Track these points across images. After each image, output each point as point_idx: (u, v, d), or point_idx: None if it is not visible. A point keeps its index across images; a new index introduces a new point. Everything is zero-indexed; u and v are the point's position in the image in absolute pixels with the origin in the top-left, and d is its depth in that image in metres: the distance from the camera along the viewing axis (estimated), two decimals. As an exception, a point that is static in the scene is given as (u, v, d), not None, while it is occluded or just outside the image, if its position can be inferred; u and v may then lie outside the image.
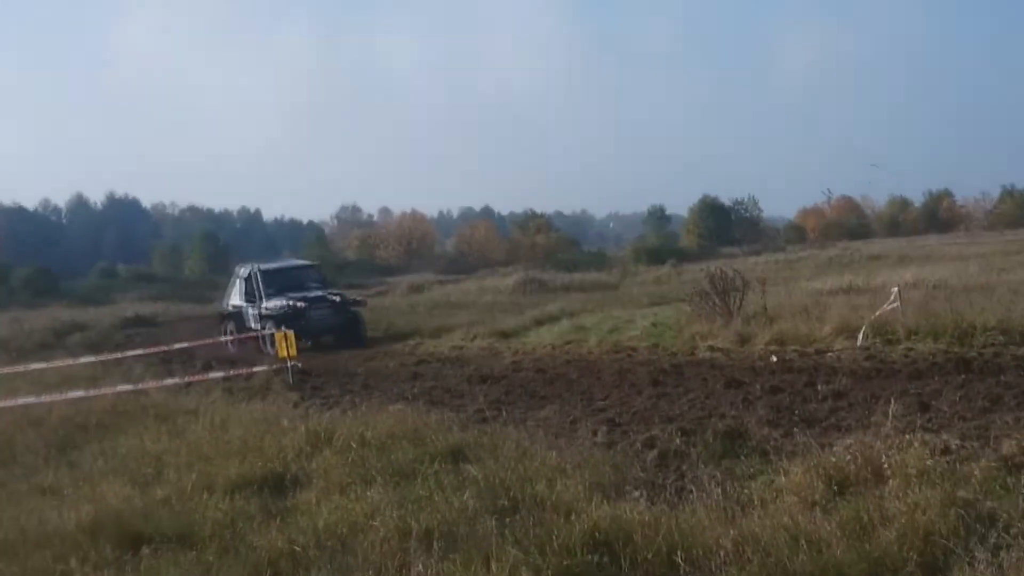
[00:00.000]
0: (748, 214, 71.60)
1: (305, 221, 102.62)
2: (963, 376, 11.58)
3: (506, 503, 6.67)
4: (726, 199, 71.16)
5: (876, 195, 76.52)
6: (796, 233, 67.75)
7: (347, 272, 51.73)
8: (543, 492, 6.83)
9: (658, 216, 79.36)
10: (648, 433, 9.27)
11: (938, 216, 69.54)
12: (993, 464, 6.47)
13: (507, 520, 6.25)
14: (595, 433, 9.69)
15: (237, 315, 23.23)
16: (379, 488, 7.36)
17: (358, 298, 24.72)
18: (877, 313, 15.79)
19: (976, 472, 6.14)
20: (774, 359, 14.36)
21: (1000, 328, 14.35)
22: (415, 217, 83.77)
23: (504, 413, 11.19)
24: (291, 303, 21.72)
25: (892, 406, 8.71)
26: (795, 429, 9.21)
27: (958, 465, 6.50)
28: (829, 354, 14.40)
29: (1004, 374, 11.53)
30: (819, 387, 11.59)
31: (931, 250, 39.46)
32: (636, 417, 10.60)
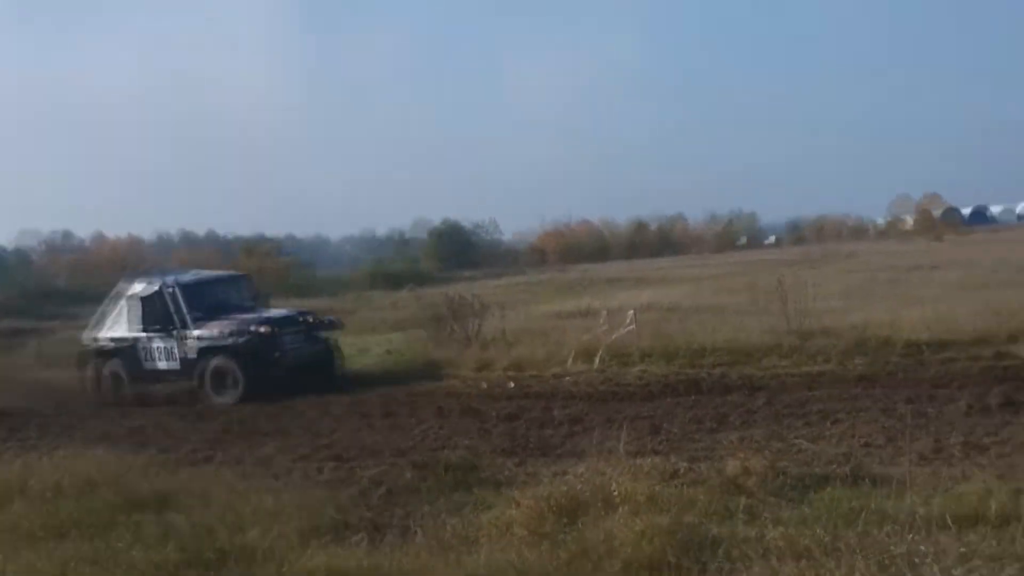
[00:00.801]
0: (489, 237, 73.63)
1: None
2: (693, 397, 12.37)
3: (212, 555, 6.22)
4: (467, 222, 72.71)
5: (615, 217, 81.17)
6: (537, 256, 70.48)
7: (55, 300, 47.70)
8: (255, 540, 6.44)
9: (396, 239, 79.93)
10: (377, 468, 9.14)
11: (672, 239, 75.25)
12: (717, 485, 6.85)
13: (212, 574, 5.84)
14: (320, 471, 9.42)
15: (126, 352, 17.12)
16: (73, 541, 6.68)
17: (332, 318, 18.90)
18: (613, 336, 16.53)
19: (701, 496, 6.46)
20: (511, 385, 14.68)
21: (727, 348, 15.51)
22: (130, 241, 79.06)
23: (220, 453, 10.62)
24: (253, 328, 16.28)
25: (624, 430, 9.09)
26: (530, 457, 9.41)
27: (685, 488, 6.80)
28: (567, 378, 14.94)
29: (731, 394, 12.45)
30: (555, 412, 11.95)
31: (666, 272, 42.31)
32: (366, 452, 10.43)
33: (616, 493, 6.58)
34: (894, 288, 24.09)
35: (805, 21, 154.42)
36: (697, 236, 76.67)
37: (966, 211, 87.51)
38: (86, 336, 17.88)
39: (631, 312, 17.42)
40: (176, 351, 16.60)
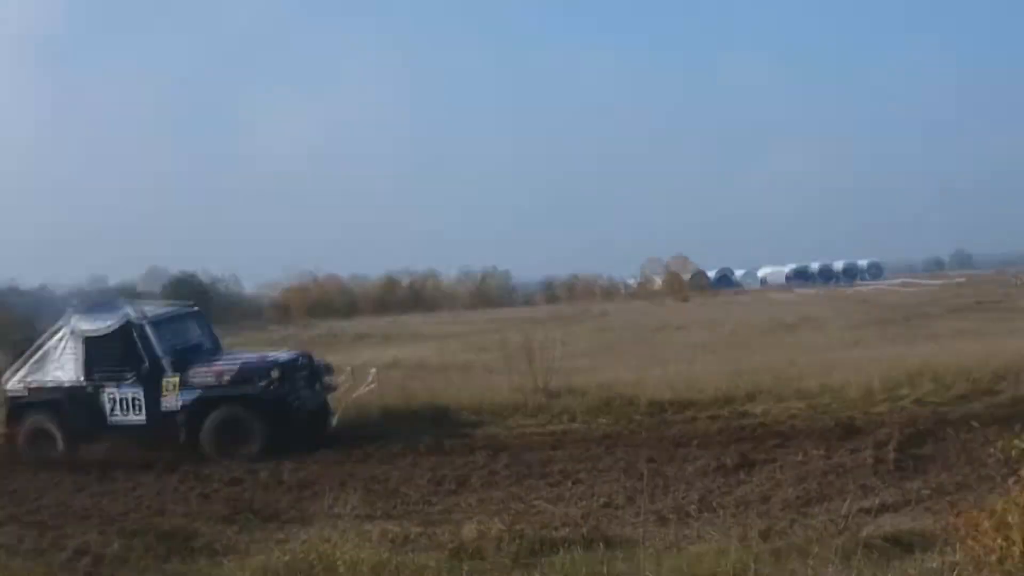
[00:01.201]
0: (228, 291, 71.09)
1: None
2: (435, 457, 12.14)
3: None
4: (205, 275, 69.90)
5: (366, 272, 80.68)
6: (280, 311, 68.72)
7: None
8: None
9: (127, 290, 75.77)
10: (84, 537, 8.46)
11: (424, 295, 75.73)
12: (451, 551, 6.62)
13: None
14: (20, 540, 8.61)
15: (73, 400, 14.12)
16: None
17: (327, 362, 16.50)
18: (354, 395, 16.15)
19: (431, 563, 6.20)
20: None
21: (473, 408, 15.47)
22: None
23: None
24: (270, 372, 14.08)
25: (358, 493, 8.77)
26: (253, 524, 8.89)
27: (416, 555, 6.54)
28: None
29: (474, 453, 12.33)
30: (285, 475, 11.41)
31: (417, 329, 42.34)
32: (74, 518, 9.75)
33: (340, 562, 6.21)
34: (641, 347, 25.17)
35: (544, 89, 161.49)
36: (450, 293, 77.55)
37: (712, 274, 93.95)
38: (13, 383, 14.51)
39: (373, 370, 17.13)
40: (142, 400, 13.96)
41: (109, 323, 14.26)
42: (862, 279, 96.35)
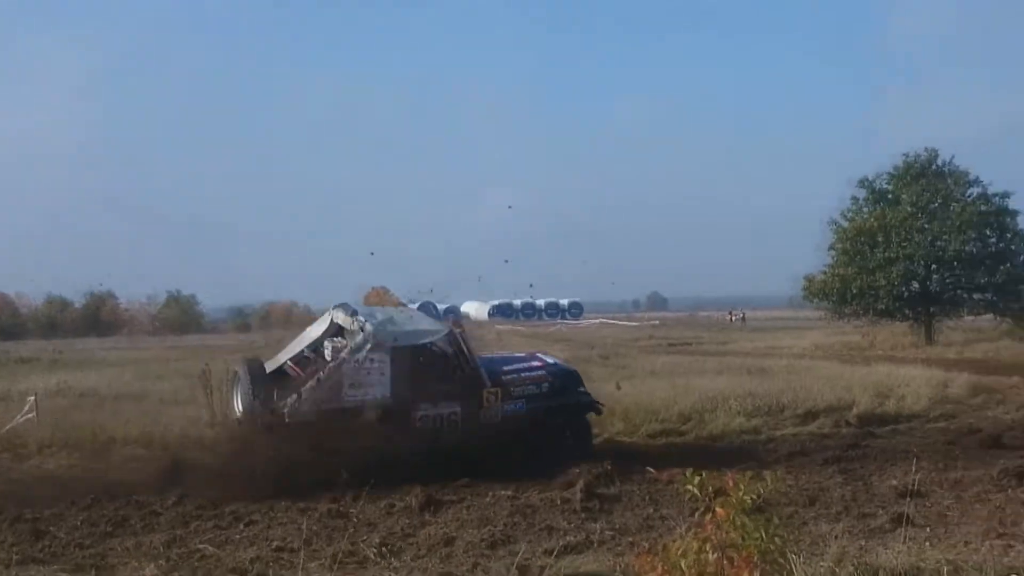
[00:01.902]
0: None
1: None
2: (91, 497, 11.12)
3: None
4: None
5: (33, 294, 74.43)
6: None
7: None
8: None
9: None
10: None
11: (100, 318, 70.93)
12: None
13: None
14: None
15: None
16: None
17: None
18: (9, 425, 14.88)
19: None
20: None
21: (143, 441, 14.46)
22: None
23: None
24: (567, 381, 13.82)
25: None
26: None
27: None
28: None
29: (136, 492, 11.38)
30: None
31: (89, 354, 39.52)
32: None
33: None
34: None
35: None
36: (128, 317, 73.10)
37: (415, 306, 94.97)
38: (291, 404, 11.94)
39: (31, 398, 15.78)
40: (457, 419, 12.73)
41: (430, 331, 13.32)
42: (563, 317, 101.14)
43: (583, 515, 10.00)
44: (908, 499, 10.07)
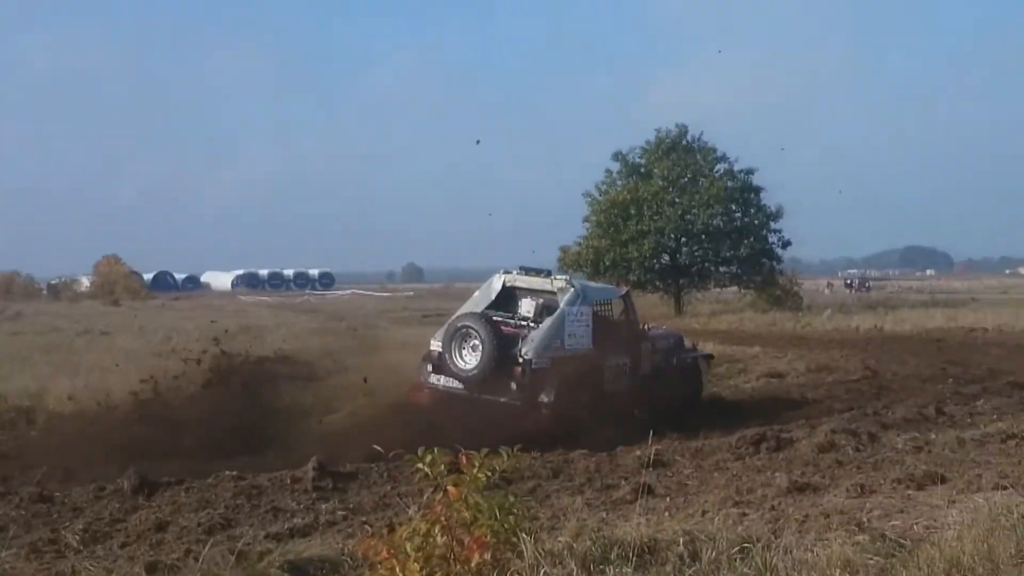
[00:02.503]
0: None
1: None
2: None
3: None
4: None
5: None
6: None
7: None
8: None
9: None
10: None
11: None
12: None
13: None
14: None
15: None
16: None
17: None
18: None
19: None
20: None
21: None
22: None
23: None
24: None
25: None
26: None
27: None
28: None
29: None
30: None
31: None
32: None
33: None
34: (55, 354, 22.91)
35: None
36: None
37: (148, 276, 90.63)
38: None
39: None
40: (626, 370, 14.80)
41: (605, 294, 15.72)
42: (313, 288, 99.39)
43: (314, 495, 9.54)
44: (650, 469, 10.28)
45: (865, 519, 7.69)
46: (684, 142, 43.80)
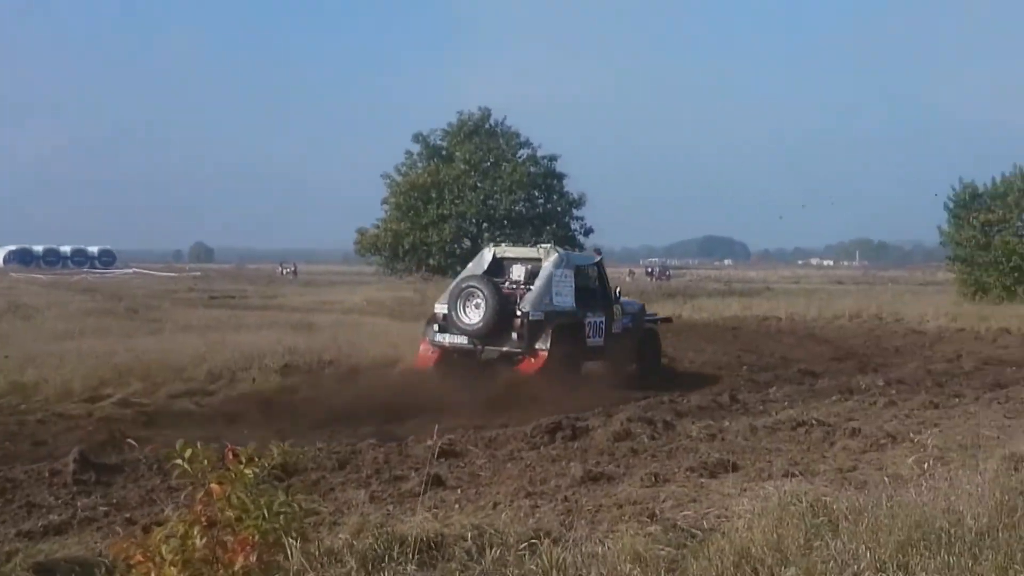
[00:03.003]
0: None
1: None
2: None
3: None
4: None
5: None
6: None
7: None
8: None
9: None
10: None
11: None
12: None
13: None
14: None
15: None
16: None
17: None
18: None
19: None
20: None
21: None
22: None
23: None
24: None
25: None
26: None
27: None
28: None
29: None
30: None
31: None
32: None
33: None
34: None
35: None
36: None
37: None
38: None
39: None
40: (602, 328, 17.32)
41: (583, 260, 18.48)
42: (92, 266, 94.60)
43: (75, 489, 8.78)
44: (441, 460, 10.00)
45: (657, 509, 7.67)
46: (487, 126, 43.90)
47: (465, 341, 16.21)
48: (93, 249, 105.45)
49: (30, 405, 13.28)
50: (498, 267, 17.42)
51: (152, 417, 12.79)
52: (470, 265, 18.09)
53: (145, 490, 8.92)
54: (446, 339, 16.44)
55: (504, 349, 15.96)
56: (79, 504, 8.28)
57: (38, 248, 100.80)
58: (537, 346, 15.72)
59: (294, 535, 5.18)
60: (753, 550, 6.01)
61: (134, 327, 24.45)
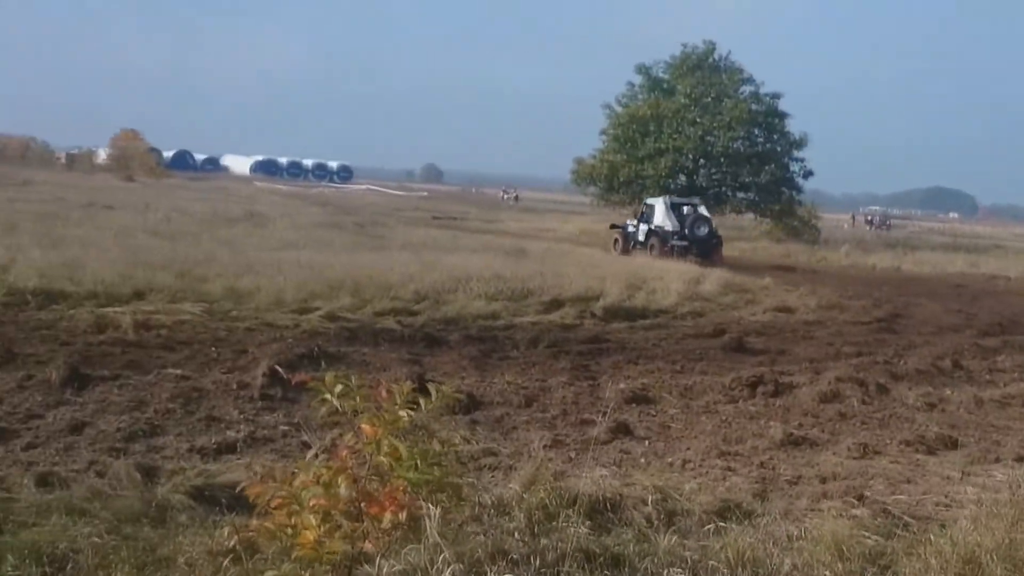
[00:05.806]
0: None
1: None
2: None
3: None
4: None
5: None
6: None
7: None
8: None
9: None
10: None
11: None
12: None
13: None
14: None
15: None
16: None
17: None
18: None
19: None
20: None
21: None
22: None
23: None
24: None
25: None
26: None
27: None
28: None
29: None
30: None
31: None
32: None
33: None
34: (44, 224, 21.91)
35: None
36: None
37: (169, 154, 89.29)
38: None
39: None
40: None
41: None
42: (331, 180, 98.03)
43: (260, 404, 8.46)
44: (633, 405, 9.25)
45: (866, 489, 6.64)
46: (710, 60, 41.90)
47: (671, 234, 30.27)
48: (333, 164, 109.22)
49: (241, 312, 13.30)
50: (675, 207, 31.53)
51: (354, 332, 12.54)
52: (657, 210, 31.43)
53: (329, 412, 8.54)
54: (662, 239, 30.27)
55: (685, 243, 29.55)
56: (260, 421, 7.99)
57: (283, 160, 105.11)
58: (701, 235, 30.11)
59: (448, 493, 4.54)
60: (981, 557, 4.95)
61: (358, 242, 24.72)
